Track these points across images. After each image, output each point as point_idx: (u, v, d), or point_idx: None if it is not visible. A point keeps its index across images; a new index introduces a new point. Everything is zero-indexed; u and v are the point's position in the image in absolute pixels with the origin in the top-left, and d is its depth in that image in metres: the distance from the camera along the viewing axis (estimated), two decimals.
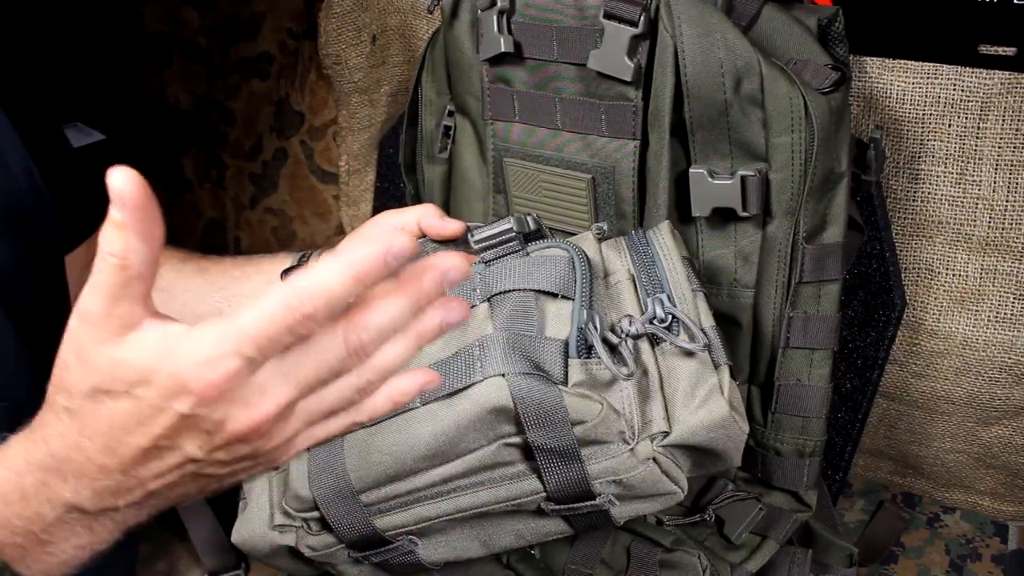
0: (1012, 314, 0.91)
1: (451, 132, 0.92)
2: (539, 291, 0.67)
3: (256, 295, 0.64)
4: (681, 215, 0.80)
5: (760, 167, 0.75)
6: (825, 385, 0.80)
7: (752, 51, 0.72)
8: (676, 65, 0.74)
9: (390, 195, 1.25)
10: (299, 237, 1.46)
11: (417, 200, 0.99)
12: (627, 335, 0.66)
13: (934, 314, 0.94)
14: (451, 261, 0.46)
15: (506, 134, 0.85)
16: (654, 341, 0.68)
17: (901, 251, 0.93)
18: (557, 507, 0.67)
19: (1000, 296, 0.91)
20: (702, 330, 0.67)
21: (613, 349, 0.65)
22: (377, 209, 1.28)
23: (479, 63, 0.83)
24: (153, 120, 1.50)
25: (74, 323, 0.48)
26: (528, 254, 0.70)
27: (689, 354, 0.66)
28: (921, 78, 0.86)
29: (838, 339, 0.80)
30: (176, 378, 0.45)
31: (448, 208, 0.95)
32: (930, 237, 0.92)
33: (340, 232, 1.39)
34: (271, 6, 1.34)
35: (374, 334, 0.46)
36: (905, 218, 0.92)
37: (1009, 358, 0.92)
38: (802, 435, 0.82)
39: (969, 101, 0.84)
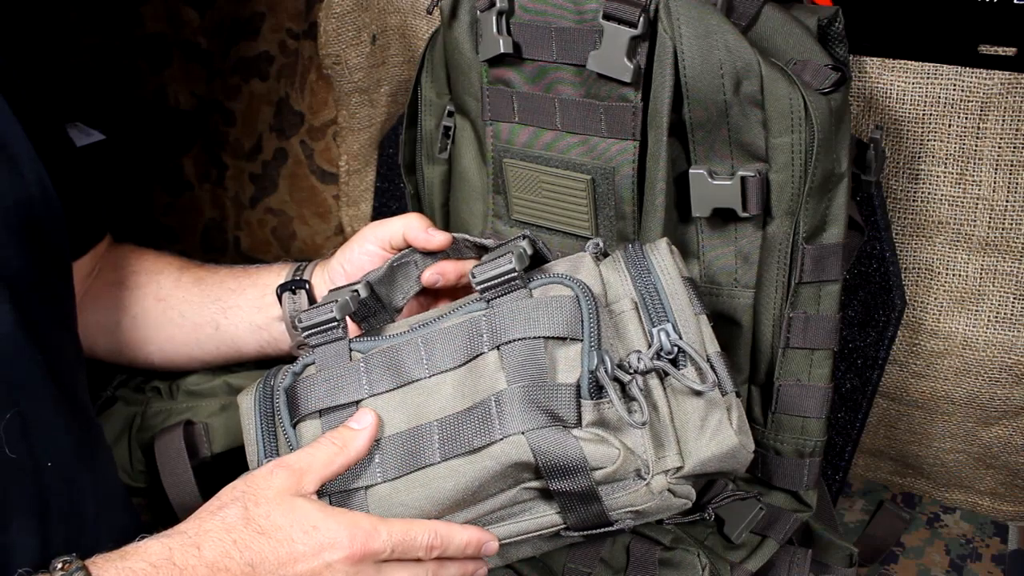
0: (1012, 314, 0.91)
1: (451, 132, 0.92)
2: (548, 337, 0.67)
3: (250, 307, 0.86)
4: (681, 215, 0.80)
5: (760, 167, 0.75)
6: (825, 385, 0.80)
7: (752, 52, 0.72)
8: (675, 66, 0.74)
9: (390, 195, 1.25)
10: (299, 237, 1.46)
11: (417, 200, 0.99)
12: (636, 372, 0.67)
13: (934, 314, 0.94)
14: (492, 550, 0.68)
15: (506, 135, 0.85)
16: (662, 374, 0.68)
17: (901, 251, 0.93)
18: (576, 534, 0.69)
19: (1000, 296, 0.91)
20: (707, 359, 0.68)
21: (623, 387, 0.66)
22: (377, 209, 1.28)
23: (478, 64, 0.83)
24: (153, 120, 1.50)
25: (270, 468, 0.64)
26: (531, 292, 0.69)
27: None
28: (921, 78, 0.86)
29: (838, 339, 0.80)
30: (339, 536, 0.62)
31: (448, 208, 0.95)
32: (930, 237, 0.92)
33: (340, 232, 1.39)
34: (271, 6, 1.34)
35: None
36: (905, 218, 0.92)
37: (1009, 358, 0.92)
38: (802, 435, 0.82)
39: (969, 101, 0.84)
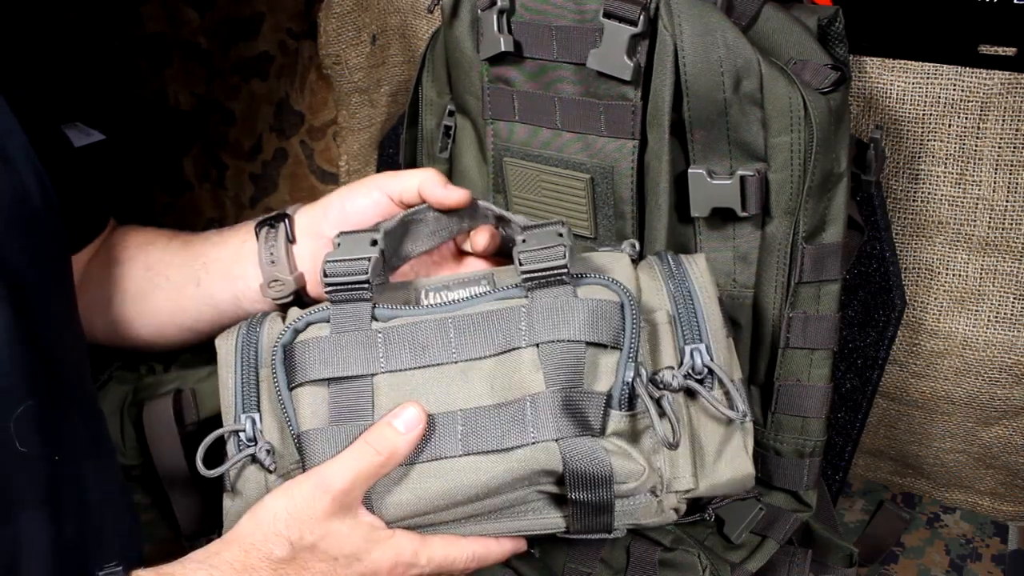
0: (1012, 314, 0.91)
1: (451, 132, 0.92)
2: (590, 343, 0.64)
3: (229, 258, 0.83)
4: (680, 215, 0.80)
5: (759, 167, 0.75)
6: (825, 385, 0.80)
7: (752, 51, 0.72)
8: (676, 64, 0.74)
9: None
10: None
11: None
12: (668, 388, 0.65)
13: (934, 314, 0.94)
14: None
15: (506, 134, 0.85)
16: (689, 394, 0.67)
17: (901, 251, 0.93)
18: (572, 536, 0.68)
19: (1000, 296, 0.91)
20: (732, 382, 0.67)
21: (656, 403, 0.65)
22: None
23: (479, 63, 0.83)
24: (153, 120, 1.50)
25: (312, 492, 0.63)
26: (576, 291, 0.66)
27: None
28: (921, 78, 0.86)
29: (838, 339, 0.80)
30: (378, 563, 0.63)
31: None
32: (930, 237, 0.92)
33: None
34: (271, 6, 1.34)
35: None
36: (905, 218, 0.92)
37: (1009, 358, 0.92)
38: (802, 435, 0.82)
39: (969, 101, 0.84)
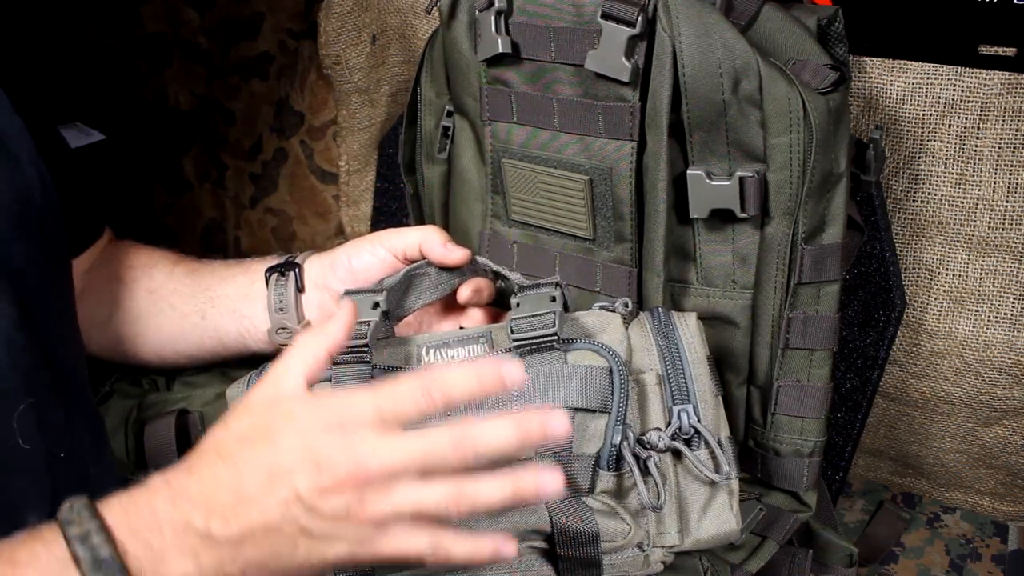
0: (1012, 314, 0.91)
1: (450, 132, 0.92)
2: (579, 408, 0.67)
3: (237, 295, 0.83)
4: (679, 216, 0.80)
5: (758, 168, 0.75)
6: (825, 385, 0.80)
7: (751, 51, 0.72)
8: (674, 65, 0.74)
9: (390, 195, 1.26)
10: (299, 237, 1.46)
11: (416, 200, 0.99)
12: (655, 449, 0.68)
13: (934, 314, 0.94)
14: (559, 430, 0.53)
15: (504, 135, 0.85)
16: (675, 453, 0.69)
17: (901, 251, 0.93)
18: None
19: (1000, 296, 0.91)
20: (719, 443, 0.69)
21: (643, 463, 0.67)
22: (377, 209, 1.28)
23: (477, 64, 0.83)
24: (153, 120, 1.50)
25: (254, 385, 0.60)
26: (566, 356, 0.69)
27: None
28: (921, 78, 0.86)
29: (838, 339, 0.80)
30: (317, 416, 0.54)
31: (447, 208, 0.95)
32: (930, 237, 0.92)
33: (340, 232, 1.39)
34: (271, 6, 1.34)
35: (479, 443, 0.53)
36: (905, 218, 0.92)
37: (1009, 358, 0.92)
38: (802, 436, 0.82)
39: (969, 101, 0.84)
